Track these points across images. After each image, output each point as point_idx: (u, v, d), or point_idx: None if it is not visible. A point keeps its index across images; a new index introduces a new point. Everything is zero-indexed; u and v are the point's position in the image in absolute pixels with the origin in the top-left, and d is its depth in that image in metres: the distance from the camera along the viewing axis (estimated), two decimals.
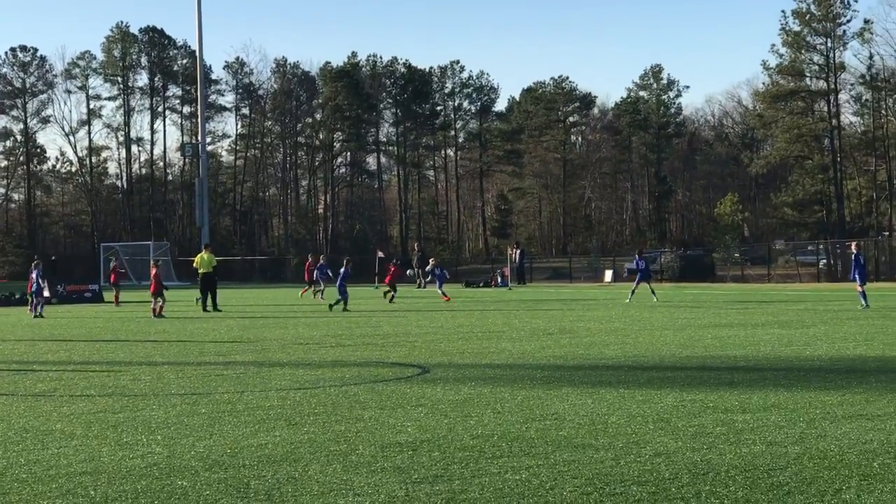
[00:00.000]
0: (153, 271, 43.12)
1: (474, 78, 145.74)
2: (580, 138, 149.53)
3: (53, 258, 61.90)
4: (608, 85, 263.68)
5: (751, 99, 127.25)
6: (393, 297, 50.02)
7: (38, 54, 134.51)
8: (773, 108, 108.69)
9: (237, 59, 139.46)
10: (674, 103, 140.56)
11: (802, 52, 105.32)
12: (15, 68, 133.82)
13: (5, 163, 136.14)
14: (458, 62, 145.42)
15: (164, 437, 12.90)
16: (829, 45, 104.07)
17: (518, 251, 78.99)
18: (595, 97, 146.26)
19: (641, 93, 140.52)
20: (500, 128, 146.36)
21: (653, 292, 47.45)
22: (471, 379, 18.20)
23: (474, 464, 10.91)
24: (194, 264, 46.62)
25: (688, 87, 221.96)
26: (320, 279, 53.98)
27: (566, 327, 31.19)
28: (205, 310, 43.54)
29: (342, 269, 44.77)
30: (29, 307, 44.22)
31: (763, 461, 10.74)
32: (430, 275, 54.39)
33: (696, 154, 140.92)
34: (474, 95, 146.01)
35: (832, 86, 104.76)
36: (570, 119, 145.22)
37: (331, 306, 43.27)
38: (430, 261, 59.36)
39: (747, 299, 48.49)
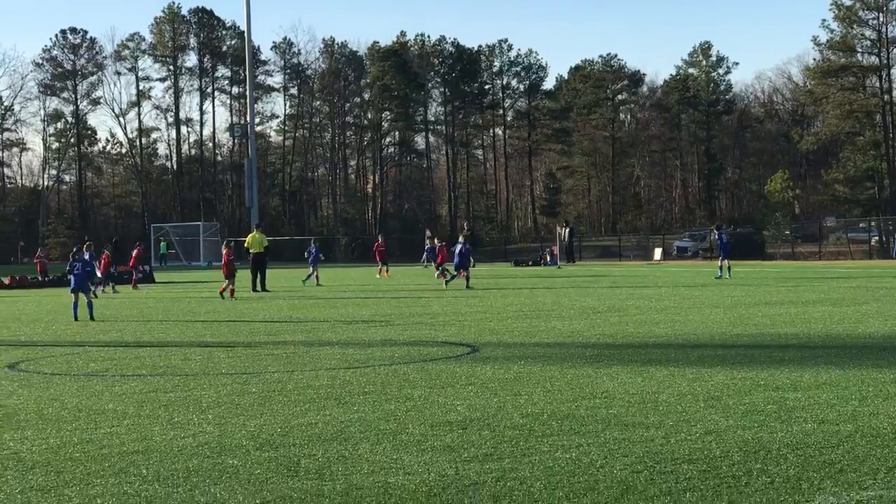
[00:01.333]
0: (225, 253, 42.20)
1: (523, 56, 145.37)
2: (629, 116, 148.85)
3: (115, 239, 62.46)
4: (657, 62, 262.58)
5: (801, 75, 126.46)
6: (445, 274, 50.52)
7: (88, 36, 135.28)
8: (823, 84, 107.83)
9: (285, 39, 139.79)
10: (723, 80, 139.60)
11: (854, 27, 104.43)
12: (65, 51, 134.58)
13: (56, 145, 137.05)
14: (506, 40, 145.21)
15: (215, 416, 12.95)
16: (881, 19, 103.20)
17: (567, 230, 78.86)
18: (644, 75, 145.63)
19: (691, 70, 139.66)
20: (548, 106, 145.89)
21: (728, 269, 47.17)
22: (520, 357, 18.18)
23: (524, 442, 10.90)
24: (245, 244, 46.70)
25: (737, 63, 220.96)
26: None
27: (615, 305, 31.11)
28: (254, 290, 43.61)
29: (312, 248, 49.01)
30: (101, 288, 45.92)
31: (815, 439, 10.67)
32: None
33: (746, 131, 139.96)
34: (523, 74, 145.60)
35: (884, 61, 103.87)
36: (619, 97, 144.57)
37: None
38: (431, 241, 58.38)
39: (798, 277, 48.22)
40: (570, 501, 8.58)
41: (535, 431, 11.46)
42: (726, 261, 47.56)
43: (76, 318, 29.97)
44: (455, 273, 43.52)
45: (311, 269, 50.39)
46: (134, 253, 54.06)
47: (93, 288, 43.21)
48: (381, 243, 58.70)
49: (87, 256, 42.73)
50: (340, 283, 49.24)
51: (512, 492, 8.91)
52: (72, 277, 31.32)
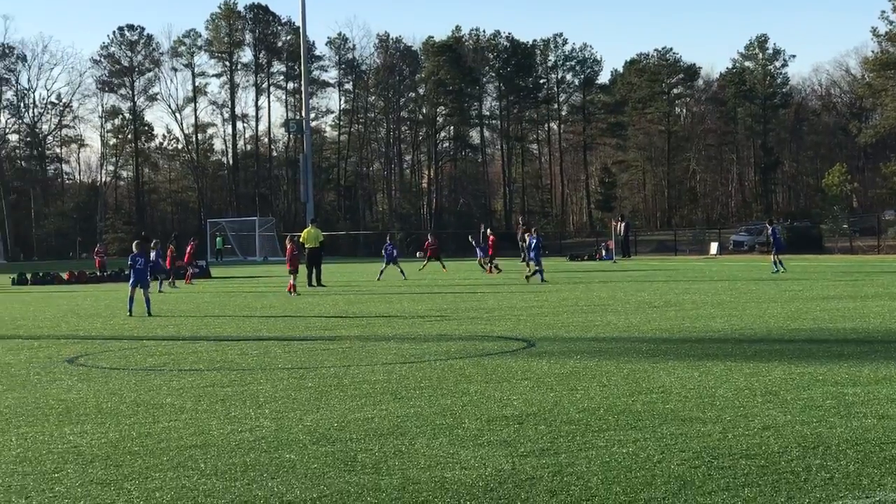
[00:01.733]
0: (290, 248, 42.11)
1: (577, 50, 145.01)
2: (684, 110, 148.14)
3: (175, 235, 62.80)
4: (713, 56, 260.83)
5: (859, 67, 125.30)
6: (493, 267, 51.05)
7: (145, 33, 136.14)
8: (882, 77, 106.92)
9: (340, 34, 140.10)
10: (780, 73, 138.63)
11: None
12: (123, 47, 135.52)
13: (114, 141, 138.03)
14: (561, 35, 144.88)
15: (272, 410, 13.00)
16: None
17: (623, 224, 78.64)
18: (699, 68, 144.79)
19: (747, 63, 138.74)
20: (603, 100, 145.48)
21: (780, 263, 46.77)
22: (576, 352, 18.14)
23: (581, 437, 10.87)
24: (300, 239, 46.88)
25: (794, 56, 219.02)
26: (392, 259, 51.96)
27: (672, 300, 30.98)
28: (310, 285, 43.73)
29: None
30: (168, 283, 46.72)
31: (874, 435, 10.58)
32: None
33: (803, 124, 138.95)
34: (577, 68, 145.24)
35: None
36: (675, 91, 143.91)
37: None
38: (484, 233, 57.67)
39: (856, 271, 47.85)
40: (627, 497, 8.56)
41: (591, 426, 11.44)
42: (779, 255, 47.20)
43: (131, 314, 30.10)
44: (539, 268, 43.35)
45: (385, 265, 50.59)
46: (188, 248, 54.41)
47: (161, 282, 43.82)
48: (433, 241, 58.46)
49: (153, 254, 43.08)
50: (395, 278, 49.26)
51: (569, 487, 8.89)
52: (132, 272, 31.38)
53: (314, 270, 44.70)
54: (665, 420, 11.67)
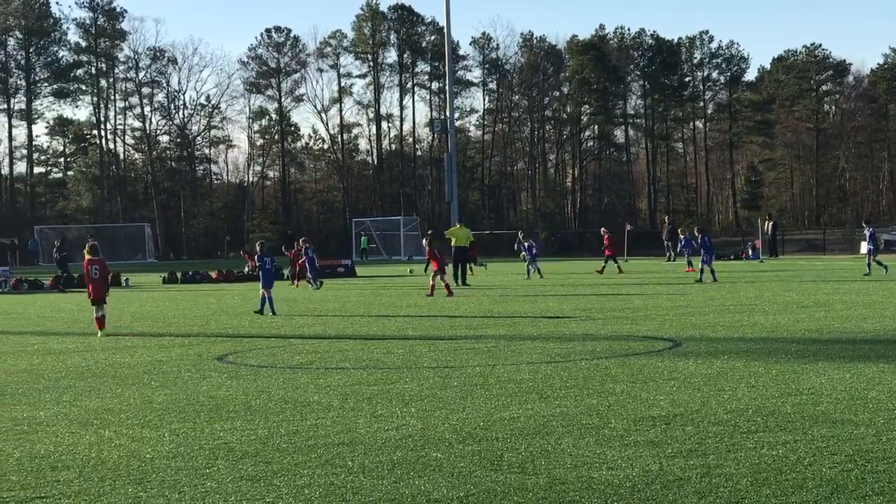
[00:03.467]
0: (429, 248, 41.28)
1: (723, 48, 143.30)
2: (833, 107, 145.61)
3: (290, 232, 63.37)
4: (863, 51, 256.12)
5: None
6: (604, 268, 51.11)
7: (292, 35, 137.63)
8: None
9: (484, 34, 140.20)
10: None
11: None
12: (270, 49, 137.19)
13: (261, 141, 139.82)
14: (706, 32, 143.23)
15: (418, 409, 13.07)
16: None
17: (770, 223, 77.61)
18: (849, 65, 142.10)
19: None
20: (750, 98, 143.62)
21: (879, 264, 44.97)
22: (723, 352, 17.96)
23: (729, 438, 10.76)
24: (446, 235, 47.08)
25: None
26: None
27: (821, 300, 30.49)
28: (461, 283, 43.70)
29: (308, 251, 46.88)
30: (293, 281, 48.49)
31: None
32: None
33: None
34: (724, 66, 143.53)
35: None
36: (823, 88, 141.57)
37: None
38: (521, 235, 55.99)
39: None
40: (777, 499, 8.44)
41: (739, 428, 11.31)
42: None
43: (274, 313, 30.32)
44: (711, 267, 42.87)
45: (528, 263, 50.57)
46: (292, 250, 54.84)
47: (314, 280, 44.51)
48: (609, 237, 55.83)
49: (310, 252, 43.52)
50: (539, 278, 49.19)
51: (717, 488, 8.80)
52: (261, 273, 31.62)
53: (461, 269, 44.81)
54: (816, 422, 11.50)
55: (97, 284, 26.18)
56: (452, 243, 46.32)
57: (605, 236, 54.58)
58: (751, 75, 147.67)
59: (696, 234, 45.37)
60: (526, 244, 50.77)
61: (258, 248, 32.66)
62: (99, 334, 25.11)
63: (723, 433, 11.03)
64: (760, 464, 9.61)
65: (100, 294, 25.97)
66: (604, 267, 52.04)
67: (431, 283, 38.75)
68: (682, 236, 50.79)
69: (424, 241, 43.13)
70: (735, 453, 10.06)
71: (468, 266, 47.08)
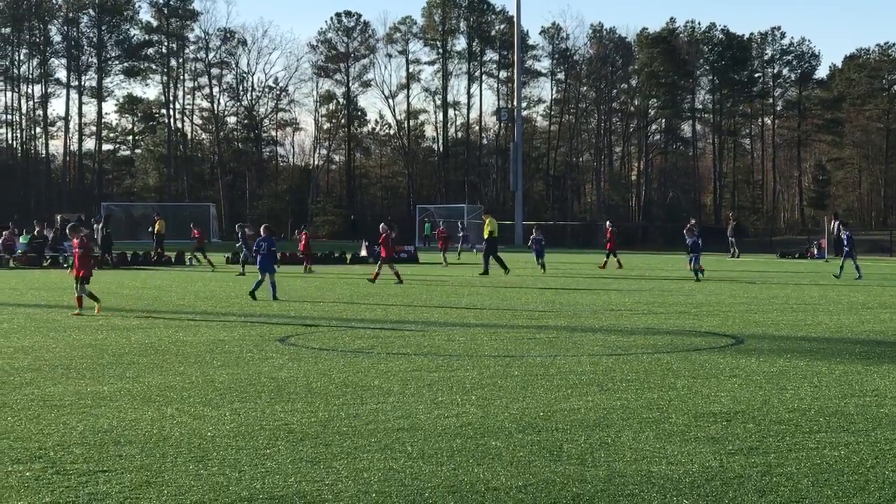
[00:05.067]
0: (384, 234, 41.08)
1: (795, 44, 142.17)
2: None
3: (353, 217, 63.44)
4: None
5: None
6: (607, 263, 50.88)
7: (362, 20, 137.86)
8: None
9: (554, 24, 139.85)
10: None
11: None
12: (339, 33, 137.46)
13: (328, 125, 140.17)
14: (778, 28, 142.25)
15: (478, 397, 13.08)
16: None
17: (837, 223, 76.91)
18: None
19: None
20: (819, 96, 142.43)
21: (841, 269, 43.83)
22: (786, 351, 17.85)
23: (790, 437, 10.70)
24: (488, 228, 47.19)
25: None
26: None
27: (886, 301, 30.21)
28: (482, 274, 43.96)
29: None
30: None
31: None
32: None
33: None
34: (794, 62, 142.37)
35: None
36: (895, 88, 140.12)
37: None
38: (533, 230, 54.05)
39: None
40: (839, 500, 8.39)
41: (801, 427, 11.25)
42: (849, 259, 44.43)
43: (275, 297, 29.56)
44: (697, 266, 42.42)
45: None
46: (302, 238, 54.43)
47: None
48: (612, 231, 55.11)
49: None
50: (601, 270, 49.07)
51: (778, 487, 8.76)
52: (258, 257, 30.80)
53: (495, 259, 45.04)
54: (879, 424, 11.42)
55: (79, 262, 26.03)
56: (486, 235, 46.58)
57: (609, 230, 54.21)
58: (821, 73, 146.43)
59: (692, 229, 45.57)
60: (532, 236, 50.19)
61: (262, 231, 31.79)
62: (76, 311, 25.06)
63: (784, 432, 10.97)
64: (822, 464, 9.55)
65: (79, 272, 25.77)
66: (605, 262, 51.57)
67: (377, 270, 39.10)
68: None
69: (382, 226, 43.16)
70: (796, 453, 10.01)
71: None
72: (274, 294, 29.87)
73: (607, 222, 59.07)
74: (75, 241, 26.72)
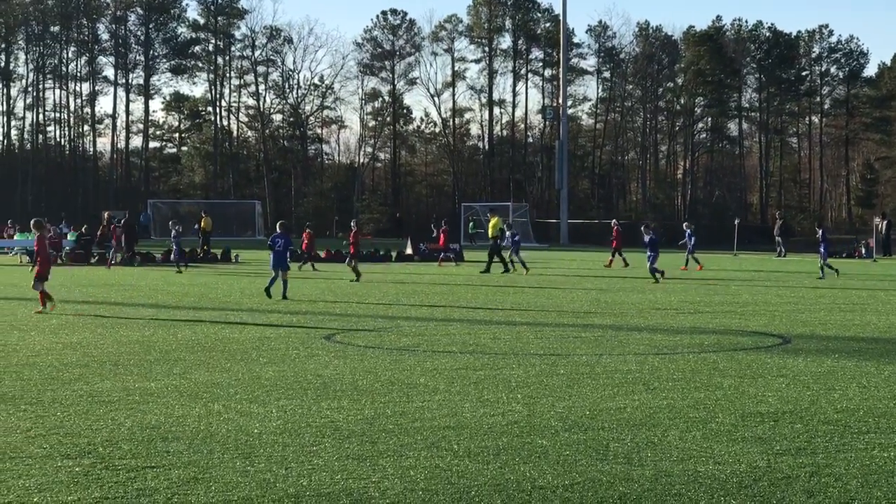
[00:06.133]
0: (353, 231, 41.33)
1: (843, 42, 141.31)
2: None
3: (398, 215, 63.76)
4: None
5: None
6: (612, 261, 50.29)
7: (408, 18, 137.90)
8: None
9: (600, 22, 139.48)
10: None
11: None
12: (385, 31, 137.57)
13: (373, 123, 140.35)
14: (826, 26, 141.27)
15: (524, 396, 13.07)
16: None
17: (885, 222, 76.42)
18: None
19: None
20: (868, 94, 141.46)
21: (825, 268, 43.29)
22: (834, 351, 17.74)
23: (839, 438, 10.64)
24: (491, 227, 47.49)
25: None
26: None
27: None
28: (484, 272, 44.32)
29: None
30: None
31: None
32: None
33: None
34: (842, 61, 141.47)
35: None
36: None
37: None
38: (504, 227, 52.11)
39: None
40: (888, 502, 8.33)
41: (850, 428, 11.18)
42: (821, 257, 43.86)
43: (284, 296, 28.99)
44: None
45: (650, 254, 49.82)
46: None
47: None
48: (618, 229, 54.60)
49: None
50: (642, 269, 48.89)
51: (826, 488, 8.71)
52: (272, 254, 30.23)
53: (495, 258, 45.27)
54: None
55: (39, 260, 25.71)
56: (490, 234, 46.95)
57: (614, 228, 53.98)
58: (870, 71, 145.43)
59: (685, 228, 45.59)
60: (508, 233, 48.55)
61: (277, 228, 31.30)
62: (38, 310, 24.67)
63: (832, 432, 10.91)
64: (871, 465, 9.49)
65: (40, 269, 25.37)
66: (611, 260, 51.21)
67: (354, 268, 39.09)
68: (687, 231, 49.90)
69: (353, 223, 43.20)
70: (845, 453, 9.95)
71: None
72: (284, 293, 29.21)
73: (613, 220, 58.91)
74: (37, 237, 26.32)
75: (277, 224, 32.14)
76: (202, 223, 59.58)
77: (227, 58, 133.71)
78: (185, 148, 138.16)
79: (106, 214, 56.11)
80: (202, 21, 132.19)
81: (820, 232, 45.56)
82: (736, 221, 72.30)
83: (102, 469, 9.37)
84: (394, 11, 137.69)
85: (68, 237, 57.01)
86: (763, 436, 10.75)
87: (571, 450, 10.09)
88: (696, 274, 44.12)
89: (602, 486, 8.79)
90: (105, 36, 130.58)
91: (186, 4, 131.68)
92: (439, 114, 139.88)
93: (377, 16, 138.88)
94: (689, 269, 46.84)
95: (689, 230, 49.51)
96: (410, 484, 8.86)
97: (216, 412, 12.01)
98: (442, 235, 56.14)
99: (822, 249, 43.45)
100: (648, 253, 39.79)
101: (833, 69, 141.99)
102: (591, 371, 15.20)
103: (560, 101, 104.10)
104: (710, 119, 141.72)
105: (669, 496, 8.54)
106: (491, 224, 47.96)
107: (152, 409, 12.21)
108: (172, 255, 47.27)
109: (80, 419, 11.61)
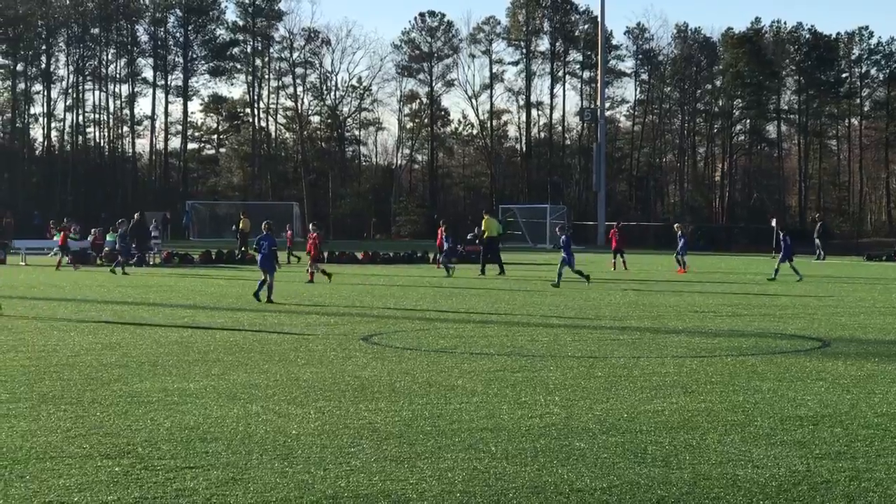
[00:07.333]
0: (312, 235, 40.81)
1: (883, 44, 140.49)
2: None
3: (436, 216, 63.83)
4: None
5: None
6: (615, 263, 49.72)
7: (446, 19, 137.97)
8: None
9: (638, 24, 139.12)
10: None
11: None
12: (423, 33, 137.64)
13: (410, 125, 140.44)
14: (866, 28, 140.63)
15: (562, 398, 13.06)
16: None
17: None
18: None
19: None
20: None
21: (795, 270, 42.78)
22: (874, 355, 17.65)
23: (879, 442, 10.59)
24: (483, 229, 47.32)
25: None
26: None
27: None
28: (482, 273, 44.21)
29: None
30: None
31: None
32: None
33: None
34: (883, 62, 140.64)
35: None
36: None
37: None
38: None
39: None
40: None
41: (890, 432, 11.12)
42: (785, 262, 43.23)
43: (269, 300, 28.28)
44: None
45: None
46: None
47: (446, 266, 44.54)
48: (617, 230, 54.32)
49: (449, 239, 43.37)
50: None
51: (867, 493, 8.67)
52: (258, 257, 29.77)
53: (491, 259, 45.10)
54: None
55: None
56: (485, 235, 46.71)
57: (613, 230, 53.72)
58: None
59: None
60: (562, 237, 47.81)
61: (263, 229, 30.32)
62: None
63: (873, 437, 10.85)
64: None
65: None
66: (614, 262, 50.77)
67: (310, 269, 38.79)
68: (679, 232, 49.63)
69: (311, 225, 43.01)
70: (886, 458, 9.90)
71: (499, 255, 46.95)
72: (269, 296, 28.49)
73: (615, 222, 58.88)
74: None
75: (263, 225, 31.00)
76: (241, 224, 59.75)
77: (266, 59, 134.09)
78: (223, 149, 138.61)
79: (139, 215, 56.12)
80: (241, 23, 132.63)
81: (783, 235, 45.01)
82: (773, 222, 71.87)
83: (141, 469, 9.42)
84: (432, 13, 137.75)
85: (107, 238, 57.15)
86: (802, 440, 10.71)
87: (609, 452, 10.07)
88: (735, 276, 43.89)
89: (640, 490, 8.77)
90: (144, 38, 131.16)
91: (225, 6, 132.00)
92: (477, 116, 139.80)
93: (415, 18, 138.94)
94: (686, 270, 46.60)
95: (679, 231, 49.40)
96: (448, 486, 8.87)
97: (254, 413, 12.06)
98: (439, 235, 55.36)
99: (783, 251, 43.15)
100: (563, 255, 37.84)
101: (873, 71, 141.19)
102: (629, 373, 15.17)
103: (598, 102, 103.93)
104: (748, 121, 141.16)
105: (708, 500, 8.51)
106: (484, 223, 47.64)
107: (191, 409, 12.26)
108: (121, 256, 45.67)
109: (120, 419, 11.67)
